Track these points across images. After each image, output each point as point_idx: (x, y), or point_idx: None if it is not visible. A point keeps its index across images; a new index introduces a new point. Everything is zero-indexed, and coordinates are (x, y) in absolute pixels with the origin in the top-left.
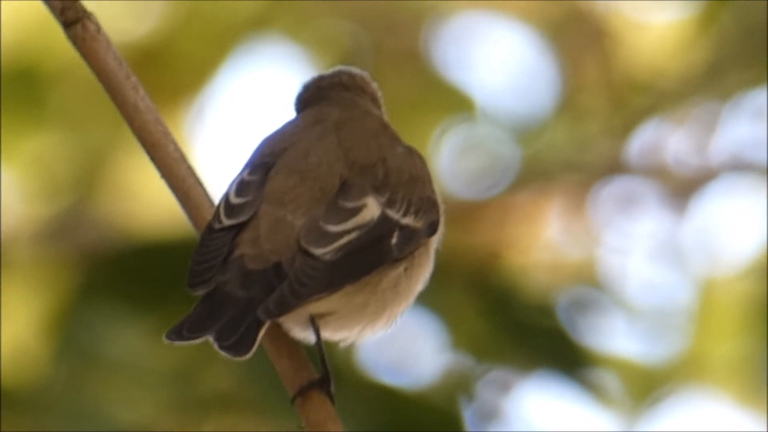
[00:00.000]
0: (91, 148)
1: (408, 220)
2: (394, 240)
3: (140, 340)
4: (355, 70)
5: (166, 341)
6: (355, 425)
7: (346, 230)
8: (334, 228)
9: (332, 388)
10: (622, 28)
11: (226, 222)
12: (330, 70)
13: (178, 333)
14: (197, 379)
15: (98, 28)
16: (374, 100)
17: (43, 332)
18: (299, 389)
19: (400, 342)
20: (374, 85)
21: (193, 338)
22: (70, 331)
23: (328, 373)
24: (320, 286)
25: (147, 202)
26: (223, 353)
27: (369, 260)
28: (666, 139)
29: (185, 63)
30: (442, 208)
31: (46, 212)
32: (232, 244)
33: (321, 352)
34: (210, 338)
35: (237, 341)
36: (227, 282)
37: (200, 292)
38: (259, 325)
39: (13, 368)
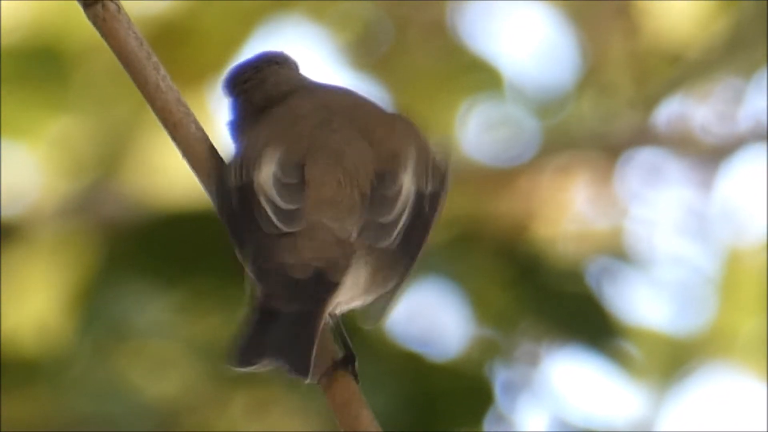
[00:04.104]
0: (113, 126)
1: (430, 187)
2: (427, 209)
3: (165, 313)
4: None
5: (231, 368)
6: (384, 396)
7: (397, 216)
8: (386, 219)
9: (356, 366)
10: (645, 0)
11: (285, 229)
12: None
13: (242, 359)
14: (224, 353)
15: (118, 8)
16: (298, 68)
17: (68, 307)
18: (325, 371)
19: (428, 313)
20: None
21: (259, 363)
22: (95, 306)
23: (351, 351)
24: (400, 274)
25: (170, 176)
26: (291, 376)
27: (421, 235)
28: (692, 111)
29: (207, 41)
30: (443, 159)
31: (69, 188)
32: (271, 252)
33: (342, 333)
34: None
35: (298, 362)
36: (272, 295)
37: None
38: (313, 341)
39: (38, 343)
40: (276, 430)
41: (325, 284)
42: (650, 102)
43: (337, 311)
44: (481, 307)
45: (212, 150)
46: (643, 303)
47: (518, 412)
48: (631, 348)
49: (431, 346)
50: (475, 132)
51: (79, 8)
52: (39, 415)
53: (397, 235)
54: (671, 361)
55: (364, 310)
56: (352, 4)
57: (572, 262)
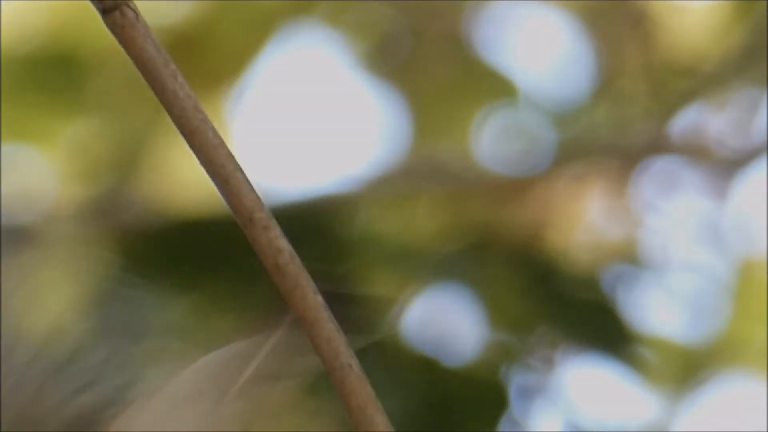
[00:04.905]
0: (129, 132)
1: None
2: None
3: (181, 317)
4: None
5: None
6: (399, 401)
7: None
8: None
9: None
10: (661, 10)
11: None
12: None
13: None
14: None
15: (137, 15)
16: None
17: (83, 311)
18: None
19: (444, 318)
20: None
21: None
22: (110, 310)
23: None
24: None
25: (186, 182)
26: None
27: None
28: (707, 121)
29: (223, 48)
30: None
31: (85, 193)
32: None
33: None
34: None
35: None
36: None
37: None
38: None
39: (53, 347)
40: None
41: None
42: (666, 112)
43: None
44: (496, 313)
45: (229, 157)
46: (657, 311)
47: (533, 417)
48: (645, 355)
49: (446, 351)
50: (491, 141)
51: (95, 15)
52: None
53: None
54: (685, 370)
55: None
56: (368, 9)
57: (587, 270)
